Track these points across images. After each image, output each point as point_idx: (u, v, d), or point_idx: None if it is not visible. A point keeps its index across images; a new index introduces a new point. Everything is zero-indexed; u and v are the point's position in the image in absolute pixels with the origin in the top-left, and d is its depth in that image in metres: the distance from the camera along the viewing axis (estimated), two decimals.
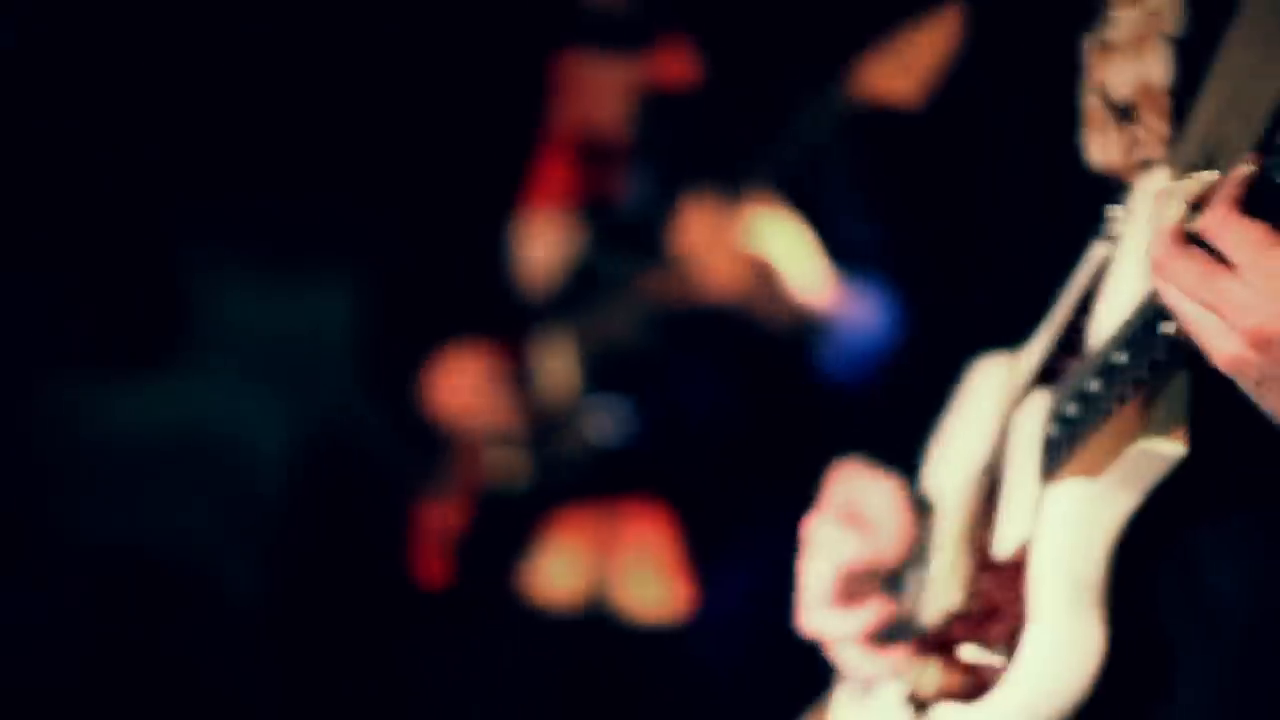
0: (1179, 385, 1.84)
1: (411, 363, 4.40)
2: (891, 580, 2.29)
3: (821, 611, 2.29)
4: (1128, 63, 2.08)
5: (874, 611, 2.26)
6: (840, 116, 3.80)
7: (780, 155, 3.88)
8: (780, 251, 3.91)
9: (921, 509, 2.30)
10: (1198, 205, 1.61)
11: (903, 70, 3.62)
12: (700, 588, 4.13)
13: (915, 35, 3.63)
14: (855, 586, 2.28)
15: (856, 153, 4.01)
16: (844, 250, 4.02)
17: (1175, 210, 1.62)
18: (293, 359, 5.32)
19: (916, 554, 2.29)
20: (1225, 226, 1.54)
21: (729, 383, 4.18)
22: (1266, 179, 1.54)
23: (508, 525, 4.28)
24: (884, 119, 3.69)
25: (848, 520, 2.31)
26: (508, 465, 4.28)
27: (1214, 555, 1.90)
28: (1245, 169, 1.56)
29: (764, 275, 3.90)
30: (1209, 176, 1.63)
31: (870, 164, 4.07)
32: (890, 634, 2.26)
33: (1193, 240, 1.59)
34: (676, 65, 4.30)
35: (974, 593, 2.13)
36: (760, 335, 4.02)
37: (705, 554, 4.14)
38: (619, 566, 4.16)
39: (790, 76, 4.00)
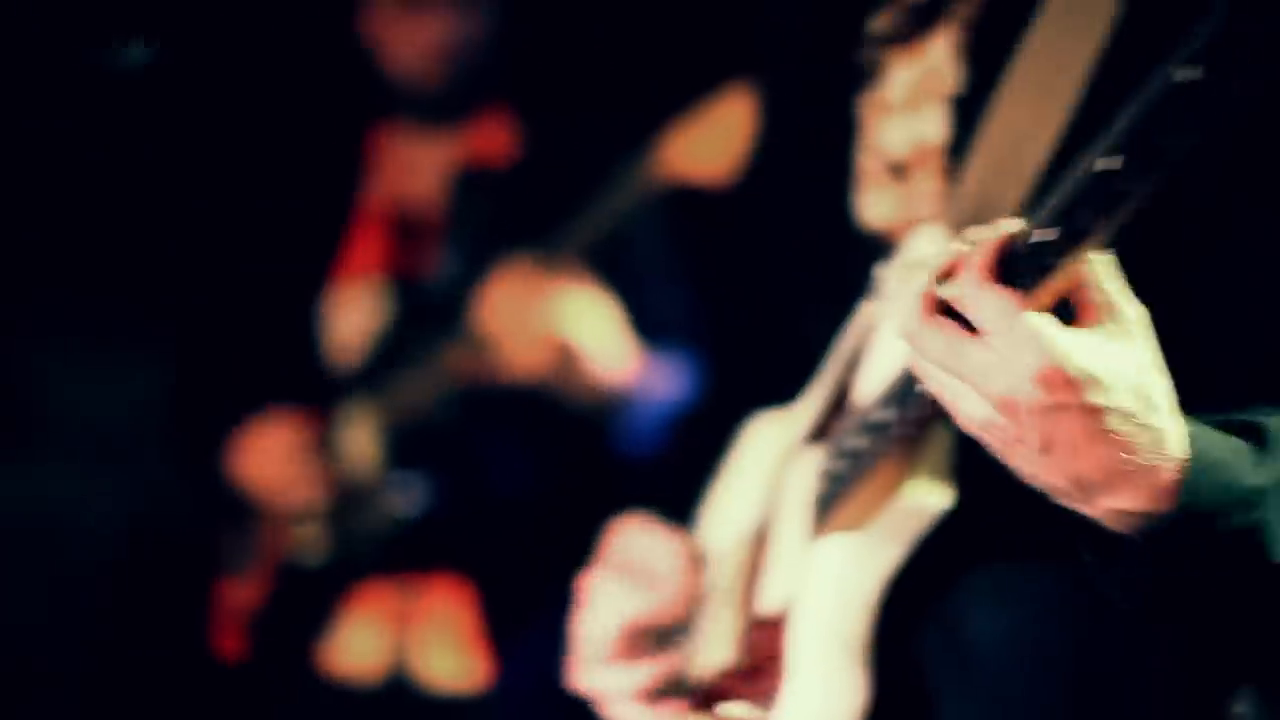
0: (943, 440, 1.86)
1: (219, 437, 4.36)
2: (671, 635, 2.28)
3: (600, 667, 2.28)
4: (904, 121, 2.10)
5: (653, 667, 2.25)
6: (647, 192, 3.82)
7: (587, 230, 3.89)
8: (584, 327, 3.92)
9: (700, 565, 2.30)
10: (947, 274, 1.61)
11: (705, 147, 3.66)
12: (499, 659, 4.11)
13: (713, 113, 3.67)
14: (636, 642, 2.27)
15: (662, 226, 4.04)
16: (649, 321, 4.04)
17: (925, 279, 1.62)
18: (114, 438, 5.26)
19: (695, 610, 2.29)
20: (974, 295, 1.55)
21: (530, 457, 4.17)
22: (1015, 249, 1.55)
23: (308, 598, 4.24)
24: (689, 194, 3.71)
25: (630, 575, 2.30)
26: (309, 538, 4.24)
27: (973, 604, 1.91)
28: (994, 239, 1.57)
29: (567, 351, 3.90)
30: (957, 246, 1.62)
31: (673, 235, 4.09)
32: (668, 690, 2.25)
33: (943, 309, 1.59)
34: (492, 140, 4.31)
35: (744, 649, 2.12)
36: (563, 410, 4.02)
37: (504, 626, 4.12)
38: (419, 639, 4.13)
39: (599, 152, 4.01)
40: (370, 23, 4.30)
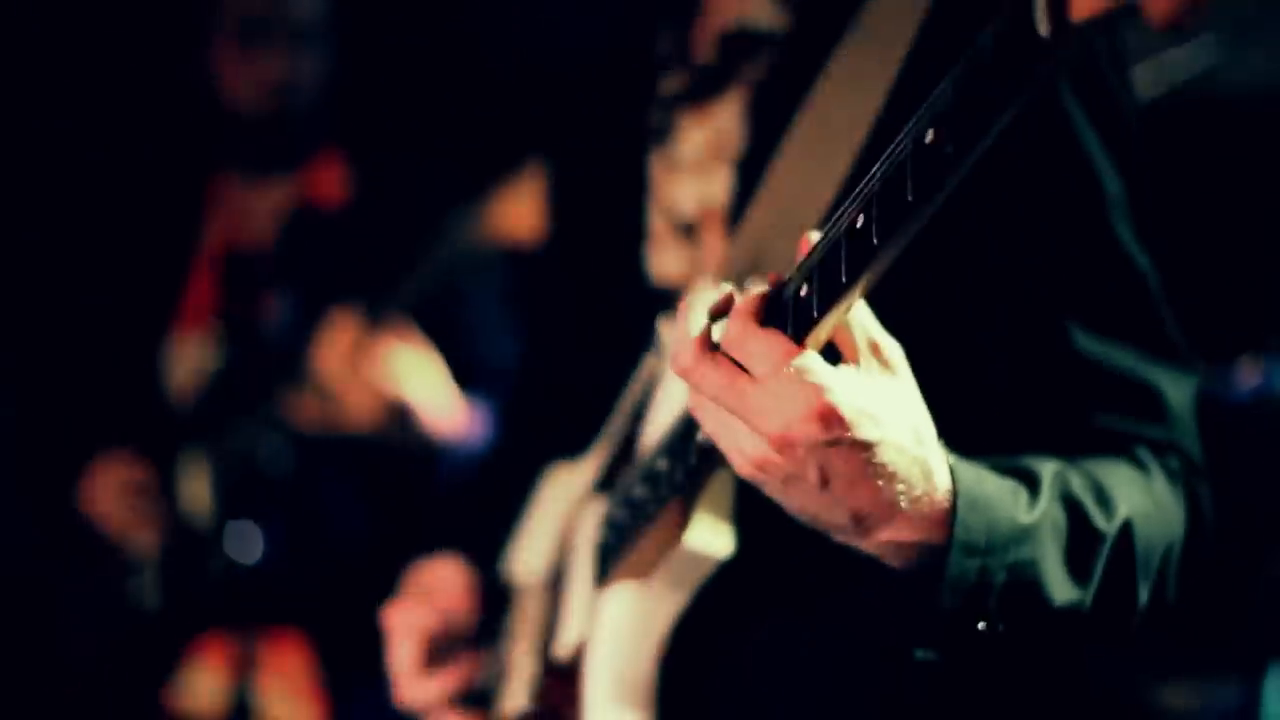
0: (724, 488, 1.89)
1: (60, 478, 4.37)
2: (464, 644, 2.39)
3: (412, 681, 2.40)
4: (692, 181, 2.15)
5: (458, 672, 2.37)
6: (473, 248, 3.87)
7: (416, 283, 3.94)
8: (413, 380, 3.96)
9: (501, 603, 2.37)
10: (718, 313, 1.64)
11: (525, 205, 3.72)
12: (335, 707, 4.13)
13: (524, 176, 3.74)
14: (436, 652, 2.39)
15: (493, 280, 4.10)
16: (479, 370, 4.10)
17: (699, 319, 1.64)
18: None
19: (490, 619, 2.36)
20: (744, 338, 1.57)
21: (364, 506, 4.20)
22: (783, 294, 1.59)
23: (147, 641, 4.25)
24: (514, 247, 3.77)
25: (418, 598, 2.43)
26: (144, 581, 4.25)
27: (759, 650, 1.96)
28: (762, 285, 1.61)
29: (397, 403, 3.95)
30: (728, 288, 1.66)
31: (503, 289, 4.16)
32: (471, 697, 2.37)
33: (717, 349, 1.61)
34: (325, 184, 4.35)
35: (539, 693, 2.17)
36: (394, 459, 4.05)
37: (340, 674, 4.14)
38: (258, 687, 4.14)
39: (428, 199, 4.07)
40: (211, 59, 4.34)
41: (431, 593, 2.42)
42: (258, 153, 4.36)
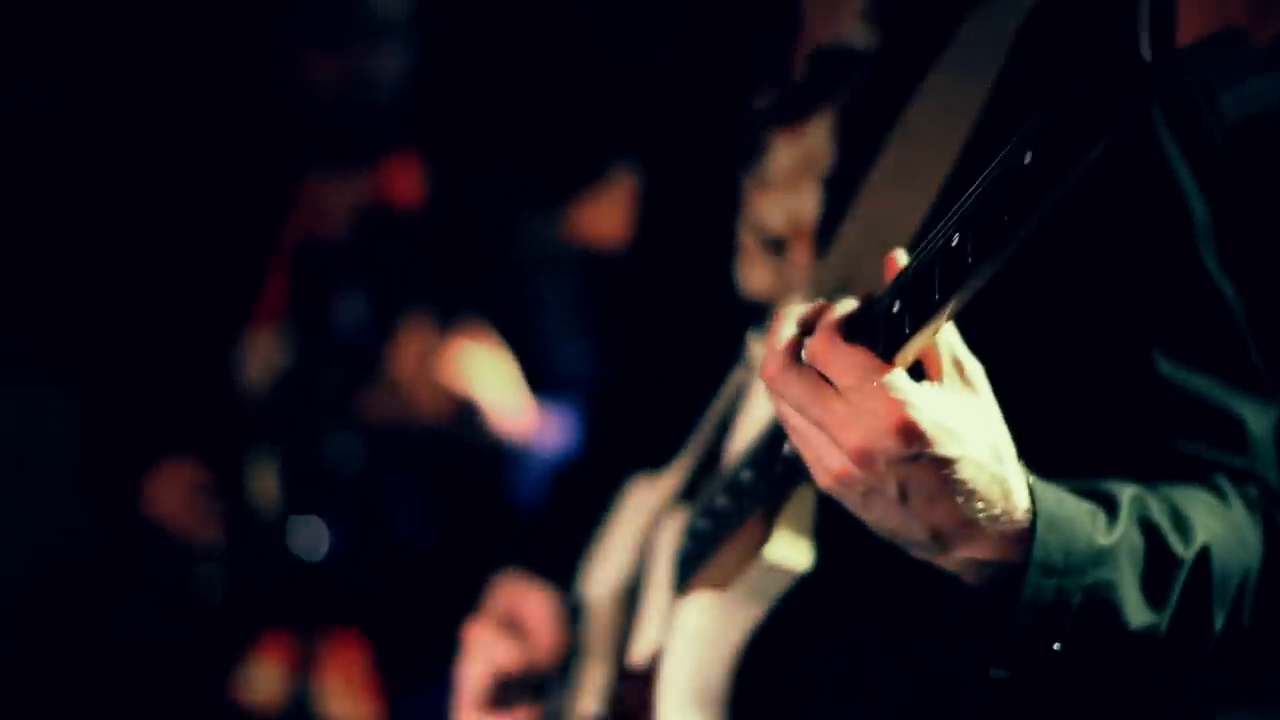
0: (806, 501, 1.91)
1: (129, 475, 4.40)
2: (540, 688, 2.36)
3: (473, 714, 2.40)
4: (782, 198, 2.16)
5: (519, 716, 2.36)
6: (555, 250, 3.91)
7: (494, 283, 3.97)
8: (484, 380, 3.98)
9: (574, 620, 2.37)
10: (808, 326, 1.65)
11: (610, 213, 3.74)
12: (393, 708, 4.16)
13: (614, 185, 3.75)
14: (505, 692, 2.38)
15: (569, 286, 4.13)
16: (552, 376, 4.13)
17: (789, 331, 1.66)
18: (22, 473, 5.25)
19: (566, 663, 2.36)
20: (830, 351, 1.59)
21: (430, 504, 4.22)
22: (873, 310, 1.60)
23: (211, 634, 4.29)
24: (594, 254, 3.78)
25: (504, 627, 2.41)
26: (210, 574, 4.28)
27: (832, 661, 1.98)
28: (852, 301, 1.63)
29: (467, 402, 3.97)
30: (819, 303, 1.67)
31: (576, 294, 4.18)
32: None
33: (805, 361, 1.63)
34: (400, 184, 4.37)
35: (612, 700, 2.19)
36: (462, 459, 4.08)
37: (399, 674, 4.17)
38: (317, 683, 4.17)
39: (510, 207, 4.09)
40: (292, 53, 4.37)
41: (518, 624, 2.42)
42: (335, 148, 4.39)
